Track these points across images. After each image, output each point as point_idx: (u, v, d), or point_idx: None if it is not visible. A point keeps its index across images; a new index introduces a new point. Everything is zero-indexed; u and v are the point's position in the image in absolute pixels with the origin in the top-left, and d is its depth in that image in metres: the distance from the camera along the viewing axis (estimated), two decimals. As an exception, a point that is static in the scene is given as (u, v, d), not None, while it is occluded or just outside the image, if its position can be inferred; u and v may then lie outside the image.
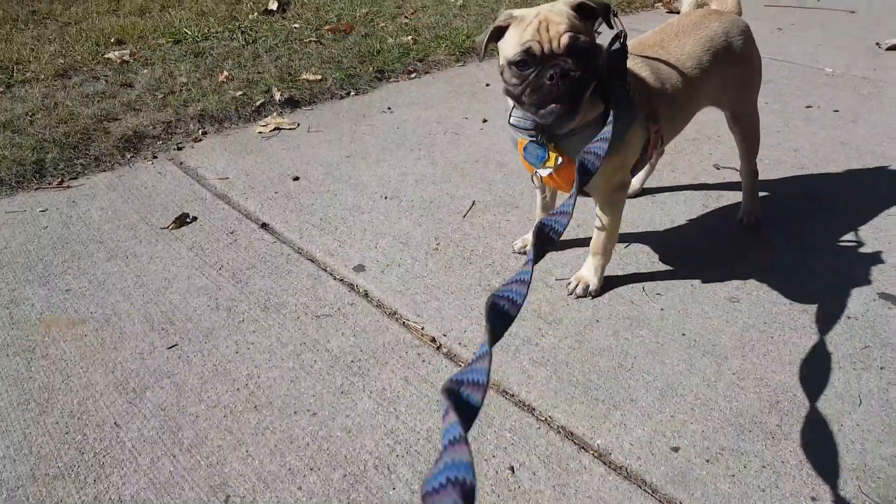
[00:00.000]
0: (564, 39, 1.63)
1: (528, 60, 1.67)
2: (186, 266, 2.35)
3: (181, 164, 3.05)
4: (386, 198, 2.77)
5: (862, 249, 2.34)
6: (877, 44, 4.34)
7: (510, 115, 1.90)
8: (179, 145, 3.20)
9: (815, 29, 4.71)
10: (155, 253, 2.42)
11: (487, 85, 3.89)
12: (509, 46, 1.71)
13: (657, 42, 2.09)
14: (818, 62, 4.05)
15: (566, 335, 2.01)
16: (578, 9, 1.70)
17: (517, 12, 1.75)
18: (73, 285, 2.26)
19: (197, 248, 2.44)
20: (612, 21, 1.69)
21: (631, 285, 2.21)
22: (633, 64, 1.98)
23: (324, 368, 1.90)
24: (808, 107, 3.43)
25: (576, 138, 1.83)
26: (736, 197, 2.60)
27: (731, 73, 2.18)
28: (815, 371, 1.84)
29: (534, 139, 1.87)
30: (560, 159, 1.87)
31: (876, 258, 2.30)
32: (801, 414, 1.71)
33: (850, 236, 2.41)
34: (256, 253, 2.42)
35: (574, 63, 1.64)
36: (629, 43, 2.12)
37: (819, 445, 1.62)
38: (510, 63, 1.70)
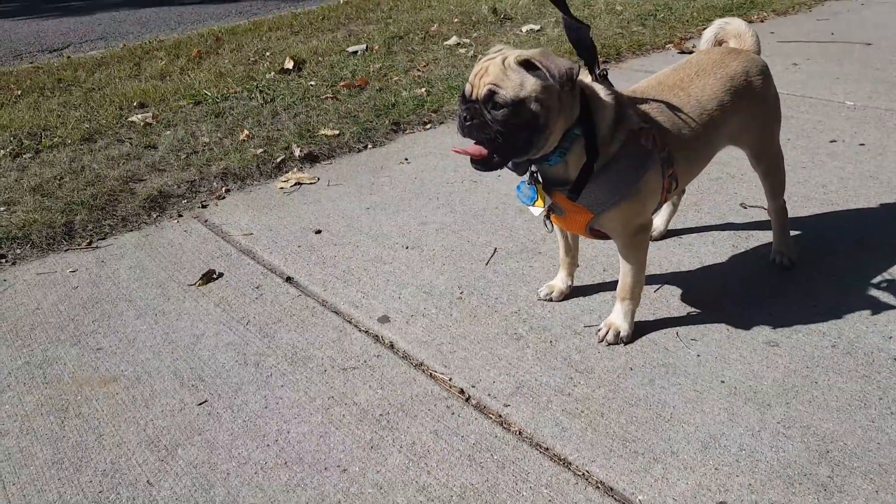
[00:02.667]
0: (483, 90, 1.73)
1: (461, 102, 1.80)
2: (214, 322, 2.34)
3: (206, 221, 3.08)
4: (407, 248, 2.76)
5: (901, 286, 2.27)
6: (896, 76, 4.31)
7: None
8: (203, 203, 3.24)
9: (832, 63, 4.70)
10: (183, 310, 2.43)
11: (505, 132, 3.91)
12: None
13: (677, 82, 2.08)
14: (838, 96, 4.03)
15: (600, 384, 1.95)
16: (528, 66, 1.73)
17: (492, 51, 1.83)
18: (104, 344, 2.27)
19: (224, 304, 2.44)
20: (565, 83, 1.70)
21: (664, 331, 2.15)
22: (648, 108, 1.98)
23: (353, 422, 1.86)
24: (832, 141, 3.39)
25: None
26: (766, 236, 2.55)
27: (752, 112, 2.17)
28: (865, 417, 1.76)
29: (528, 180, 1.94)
30: (549, 200, 1.92)
31: (917, 295, 2.22)
32: (853, 465, 1.62)
33: (887, 273, 2.33)
34: (282, 307, 2.40)
35: (493, 113, 1.72)
36: (647, 82, 2.13)
37: (875, 499, 1.53)
38: None
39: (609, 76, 1.93)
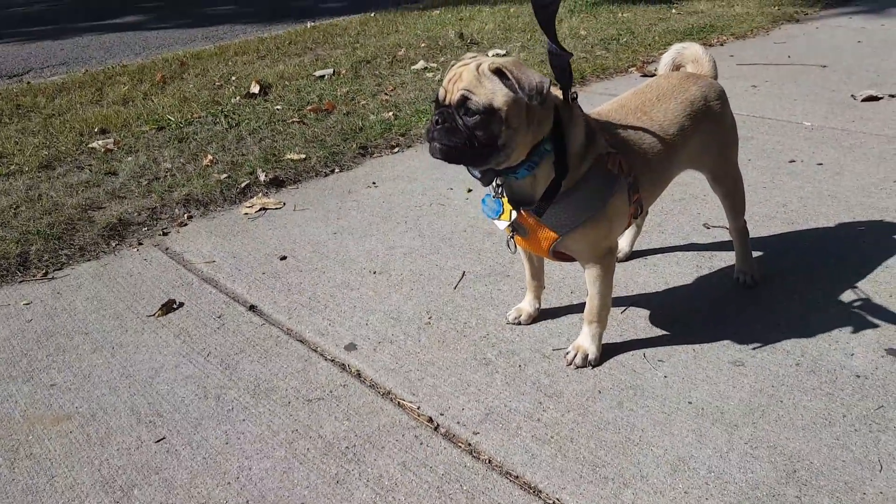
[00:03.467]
0: (456, 96, 1.73)
1: (435, 106, 1.81)
2: (174, 354, 2.27)
3: (167, 249, 3.01)
4: (375, 273, 2.72)
5: (863, 304, 2.31)
6: (852, 96, 4.44)
7: None
8: (165, 231, 3.16)
9: (790, 84, 4.83)
10: (141, 342, 2.35)
11: (472, 155, 3.92)
12: None
13: (638, 106, 2.10)
14: (796, 116, 4.13)
15: (569, 408, 1.93)
16: (500, 74, 1.73)
17: (466, 58, 1.84)
18: (57, 380, 2.19)
19: (184, 335, 2.37)
20: (534, 97, 1.70)
21: (631, 352, 2.15)
22: (616, 132, 1.99)
23: (317, 456, 1.81)
24: (791, 161, 3.47)
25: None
26: (729, 256, 2.57)
27: (711, 135, 2.20)
28: (830, 435, 1.77)
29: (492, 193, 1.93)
30: (514, 214, 1.90)
31: (878, 312, 2.26)
32: (820, 483, 1.62)
33: (849, 292, 2.37)
34: (245, 336, 2.35)
35: (465, 119, 1.72)
36: (609, 105, 2.15)
37: (844, 516, 1.53)
38: None
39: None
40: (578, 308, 2.33)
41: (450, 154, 1.76)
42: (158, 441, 1.90)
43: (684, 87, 2.17)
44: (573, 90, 1.88)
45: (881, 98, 4.38)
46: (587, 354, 2.10)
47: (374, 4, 9.71)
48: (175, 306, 2.54)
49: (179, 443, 1.89)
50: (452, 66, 1.82)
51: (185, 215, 3.29)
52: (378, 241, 2.98)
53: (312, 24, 8.34)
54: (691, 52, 2.35)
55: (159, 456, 1.84)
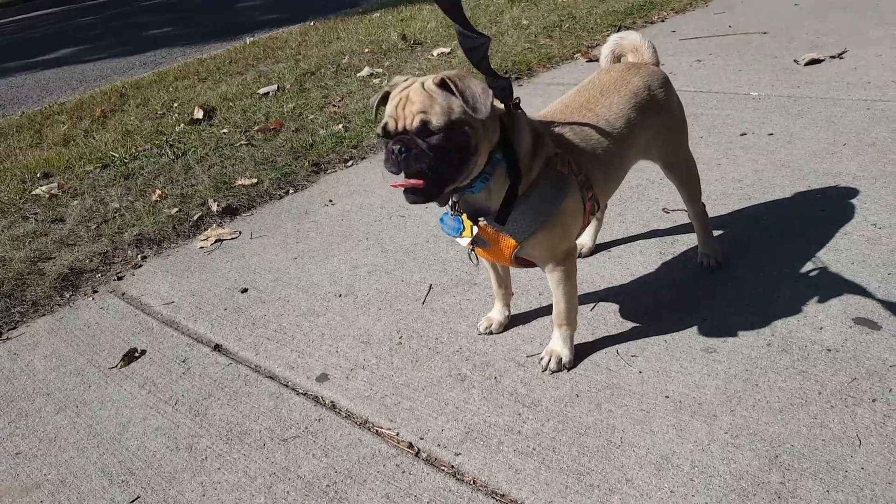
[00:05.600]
0: (415, 121, 1.66)
1: (384, 136, 1.72)
2: (140, 406, 2.20)
3: (123, 294, 2.91)
4: (340, 296, 2.67)
5: (826, 274, 2.32)
6: (795, 61, 4.49)
7: None
8: (119, 275, 3.06)
9: (733, 55, 4.87)
10: (106, 397, 2.27)
11: (428, 160, 3.87)
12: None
13: (583, 103, 2.08)
14: (743, 88, 4.16)
15: (548, 417, 1.91)
16: (443, 85, 1.69)
17: (398, 81, 1.77)
18: (22, 447, 2.10)
19: (149, 385, 2.29)
20: (480, 107, 1.66)
21: (604, 350, 2.14)
22: (562, 132, 1.97)
23: (298, 499, 1.76)
24: (742, 134, 3.49)
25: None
26: (691, 240, 2.58)
27: (658, 124, 2.19)
28: (808, 415, 1.77)
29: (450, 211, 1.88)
30: (475, 229, 1.86)
31: (842, 281, 2.27)
32: (803, 466, 1.62)
33: (811, 263, 2.39)
34: (212, 379, 2.28)
35: (428, 141, 1.66)
36: (553, 107, 2.12)
37: (827, 499, 1.53)
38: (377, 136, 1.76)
39: (522, 92, 1.91)
40: (549, 311, 2.30)
41: (431, 183, 1.68)
42: (133, 501, 1.83)
43: (626, 80, 2.16)
44: (515, 97, 1.85)
45: (823, 60, 4.43)
46: (561, 358, 2.08)
47: (312, 12, 9.57)
48: (137, 354, 2.46)
49: (154, 500, 1.82)
50: (391, 90, 1.76)
51: (139, 256, 3.19)
52: (341, 262, 2.92)
53: (252, 39, 8.19)
54: (630, 42, 2.34)
55: (134, 519, 1.78)
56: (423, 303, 2.54)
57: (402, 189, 1.71)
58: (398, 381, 2.15)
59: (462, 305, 2.49)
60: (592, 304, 2.36)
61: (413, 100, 1.68)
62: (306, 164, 3.96)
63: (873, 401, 1.78)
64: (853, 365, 1.91)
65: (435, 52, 5.96)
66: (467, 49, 1.80)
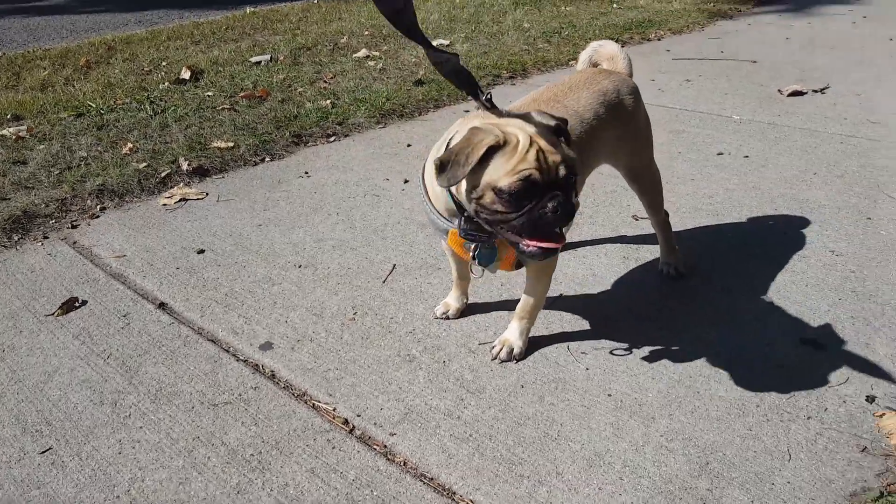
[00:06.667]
0: (562, 171, 1.59)
1: (527, 190, 1.57)
2: (71, 356, 2.12)
3: (74, 243, 2.82)
4: (300, 266, 2.61)
5: (782, 294, 2.33)
6: (779, 91, 4.54)
7: (458, 226, 1.78)
8: (74, 224, 2.97)
9: (721, 79, 4.91)
10: (36, 344, 2.18)
11: (409, 146, 3.83)
12: (498, 171, 1.58)
13: (552, 97, 2.08)
14: (726, 110, 4.19)
15: (490, 405, 1.88)
16: (557, 132, 1.69)
17: (503, 132, 1.61)
18: (-65, 386, 2.01)
19: (84, 336, 2.22)
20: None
21: (556, 345, 2.11)
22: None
23: (219, 465, 1.70)
24: (719, 154, 3.50)
25: None
26: (656, 248, 2.56)
27: (625, 129, 2.19)
28: (743, 426, 1.76)
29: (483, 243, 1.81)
30: (505, 251, 1.85)
31: (796, 302, 2.29)
32: (731, 475, 1.61)
33: (769, 281, 2.39)
34: (151, 337, 2.21)
35: (574, 191, 1.64)
36: (523, 100, 2.10)
37: (754, 510, 1.52)
38: (499, 190, 1.58)
39: (515, 91, 1.89)
40: (509, 302, 2.28)
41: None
42: (43, 452, 1.75)
43: (596, 80, 2.17)
44: (487, 92, 1.81)
45: (805, 93, 4.49)
46: (513, 348, 2.05)
47: (316, -9, 9.46)
48: (77, 305, 2.38)
49: (67, 454, 1.74)
50: (511, 140, 1.60)
51: (98, 206, 3.10)
52: (306, 234, 2.86)
53: (252, 9, 8.07)
54: (607, 51, 2.36)
55: (43, 469, 1.70)
56: (384, 282, 2.50)
57: (536, 257, 1.65)
58: (344, 357, 2.10)
59: (423, 288, 2.45)
60: (552, 300, 2.34)
61: (548, 150, 1.59)
62: (287, 134, 3.89)
63: (808, 418, 1.77)
64: (795, 382, 1.90)
65: (434, 43, 5.89)
66: (434, 63, 1.79)
